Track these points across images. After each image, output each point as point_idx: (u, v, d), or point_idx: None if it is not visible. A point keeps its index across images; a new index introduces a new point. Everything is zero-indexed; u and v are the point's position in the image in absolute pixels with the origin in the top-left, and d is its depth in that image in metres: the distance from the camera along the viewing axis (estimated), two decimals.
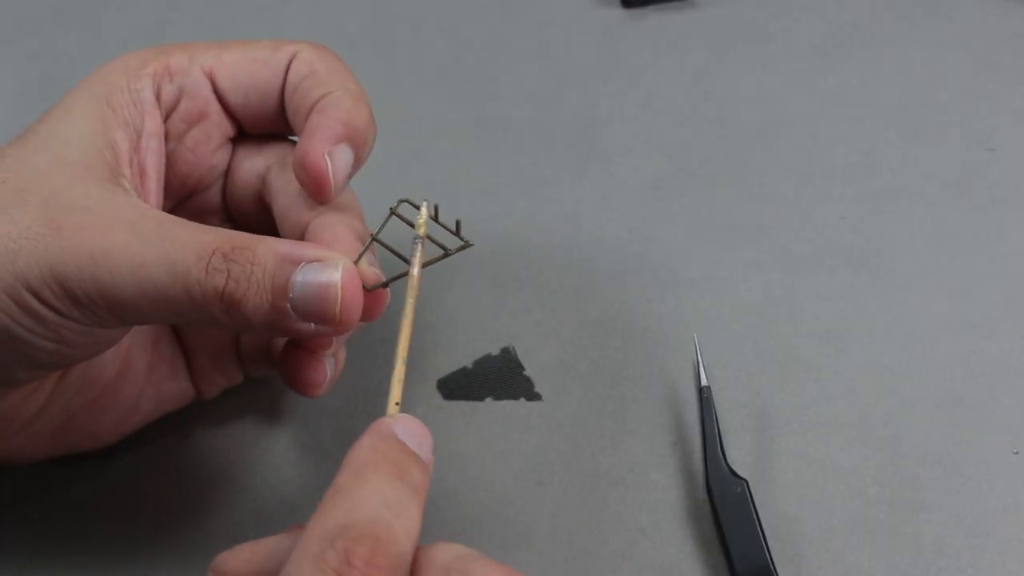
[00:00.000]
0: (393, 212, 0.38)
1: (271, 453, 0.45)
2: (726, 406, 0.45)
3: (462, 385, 0.46)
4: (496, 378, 0.46)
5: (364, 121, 0.40)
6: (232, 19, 0.62)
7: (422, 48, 0.60)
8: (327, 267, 0.36)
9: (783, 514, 0.42)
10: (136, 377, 0.42)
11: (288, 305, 0.35)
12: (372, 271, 0.38)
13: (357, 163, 0.40)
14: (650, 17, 0.61)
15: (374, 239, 0.38)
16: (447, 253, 0.37)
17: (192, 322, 0.36)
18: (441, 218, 0.38)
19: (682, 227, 0.52)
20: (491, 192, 0.54)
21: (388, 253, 0.38)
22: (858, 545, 0.42)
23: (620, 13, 0.61)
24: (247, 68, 0.41)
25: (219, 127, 0.42)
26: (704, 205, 0.52)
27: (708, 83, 0.58)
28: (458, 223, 0.36)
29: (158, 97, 0.40)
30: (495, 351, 0.47)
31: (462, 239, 0.37)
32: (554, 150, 0.55)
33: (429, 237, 0.37)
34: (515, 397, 0.46)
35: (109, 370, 0.41)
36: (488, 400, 0.46)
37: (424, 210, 0.38)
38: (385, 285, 0.37)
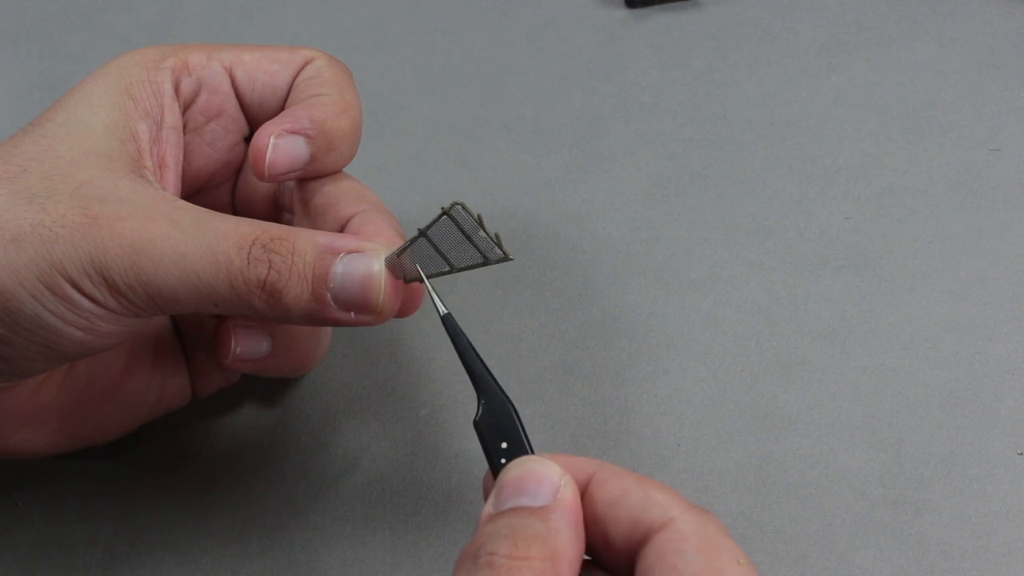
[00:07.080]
0: (445, 212, 0.36)
1: (272, 453, 0.45)
2: (730, 407, 0.45)
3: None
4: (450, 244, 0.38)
5: (338, 128, 0.40)
6: (233, 20, 0.62)
7: (426, 49, 0.60)
8: (367, 257, 0.36)
9: (787, 515, 0.42)
10: (142, 371, 0.43)
11: (328, 295, 0.36)
12: (412, 265, 0.37)
13: (316, 165, 0.40)
14: (654, 17, 0.61)
15: (422, 234, 0.37)
16: (487, 261, 0.36)
17: (228, 311, 0.36)
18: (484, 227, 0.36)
19: (685, 227, 0.52)
20: (495, 193, 0.53)
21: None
22: (862, 546, 0.42)
23: (623, 13, 0.61)
24: (266, 67, 0.42)
25: (236, 123, 0.43)
26: (707, 205, 0.52)
27: (711, 83, 0.57)
28: (498, 236, 0.36)
29: (176, 91, 0.41)
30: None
31: (503, 251, 0.36)
32: (557, 150, 0.55)
33: (472, 242, 0.36)
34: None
35: (117, 363, 0.42)
36: None
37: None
38: (423, 279, 0.37)
